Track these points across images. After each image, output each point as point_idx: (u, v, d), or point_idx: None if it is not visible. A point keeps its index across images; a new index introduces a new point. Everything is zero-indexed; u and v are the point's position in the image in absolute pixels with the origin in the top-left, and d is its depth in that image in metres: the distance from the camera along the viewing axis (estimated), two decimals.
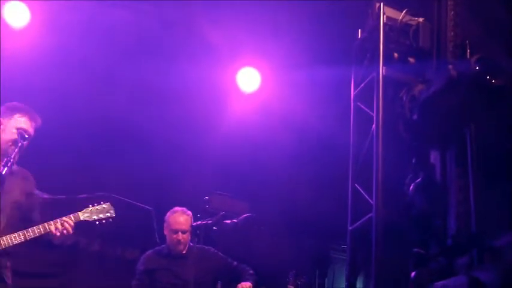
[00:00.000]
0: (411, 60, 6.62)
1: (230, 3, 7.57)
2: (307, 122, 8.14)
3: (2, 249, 4.65)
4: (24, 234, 4.71)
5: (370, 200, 6.25)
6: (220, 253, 6.36)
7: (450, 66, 5.70)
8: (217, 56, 8.06)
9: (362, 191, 6.52)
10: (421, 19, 6.60)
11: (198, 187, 7.62)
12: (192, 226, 6.07)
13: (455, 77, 5.61)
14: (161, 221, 6.35)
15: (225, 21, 7.75)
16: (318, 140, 8.22)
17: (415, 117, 6.13)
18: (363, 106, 6.82)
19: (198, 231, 6.02)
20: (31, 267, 6.70)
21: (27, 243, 4.75)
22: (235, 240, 6.95)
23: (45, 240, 4.81)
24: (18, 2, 7.30)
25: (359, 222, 6.50)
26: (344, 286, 6.83)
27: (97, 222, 4.98)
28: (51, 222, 4.78)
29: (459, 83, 5.62)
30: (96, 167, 7.73)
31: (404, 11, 6.66)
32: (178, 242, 6.09)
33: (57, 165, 7.36)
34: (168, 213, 6.24)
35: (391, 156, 6.28)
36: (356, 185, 6.70)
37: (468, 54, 6.06)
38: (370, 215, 6.20)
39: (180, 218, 6.13)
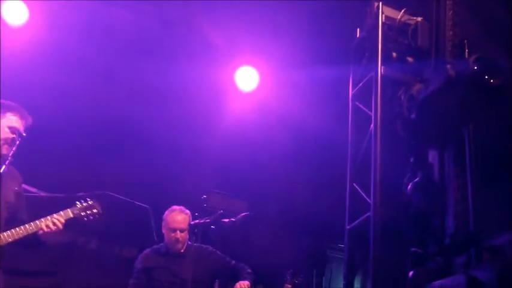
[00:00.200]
0: (410, 59, 6.63)
1: (229, 3, 7.57)
2: (306, 121, 8.15)
3: None
4: (17, 232, 4.72)
5: (368, 199, 6.25)
6: (218, 252, 6.36)
7: (448, 66, 5.70)
8: (216, 55, 8.06)
9: (360, 190, 6.53)
10: (419, 18, 6.62)
11: (196, 186, 7.63)
12: (190, 225, 6.06)
13: (453, 77, 5.62)
14: (159, 219, 6.34)
15: (224, 21, 7.75)
16: (316, 139, 8.23)
17: (413, 116, 6.14)
18: (361, 105, 6.82)
19: (196, 230, 6.02)
20: (27, 266, 6.69)
21: (17, 242, 4.76)
22: (233, 239, 6.95)
23: (33, 238, 4.83)
24: (16, 1, 7.30)
25: (357, 221, 6.51)
26: (341, 285, 6.83)
27: (85, 219, 5.05)
28: (42, 219, 4.80)
29: (457, 82, 5.63)
30: (94, 165, 7.73)
31: (403, 11, 6.67)
32: (177, 240, 6.08)
33: (55, 163, 7.37)
34: (166, 212, 6.23)
35: (389, 155, 6.28)
36: (354, 184, 6.70)
37: (466, 53, 6.09)
38: (368, 214, 6.21)
39: (178, 217, 6.12)
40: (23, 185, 5.17)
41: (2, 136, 4.85)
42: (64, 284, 7.09)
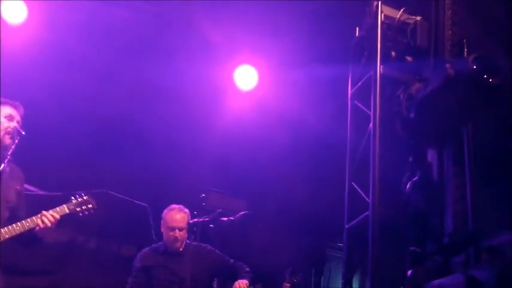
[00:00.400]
0: (409, 58, 6.63)
1: (228, 2, 7.57)
2: (305, 120, 8.15)
3: None
4: (13, 228, 4.74)
5: (366, 198, 6.25)
6: (217, 251, 6.36)
7: (447, 65, 5.70)
8: (215, 53, 8.06)
9: (359, 189, 6.52)
10: (418, 18, 6.61)
11: (195, 184, 7.63)
12: (189, 223, 6.07)
13: (452, 76, 5.61)
14: (158, 218, 6.35)
15: (223, 20, 7.75)
16: (315, 138, 8.23)
17: (412, 115, 6.14)
18: (360, 104, 6.82)
19: (194, 229, 6.03)
20: (27, 265, 6.69)
21: (15, 239, 4.77)
22: (231, 237, 6.95)
23: (29, 234, 4.85)
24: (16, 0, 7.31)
25: (356, 220, 6.51)
26: (340, 284, 6.84)
27: (81, 214, 5.09)
28: (38, 215, 4.84)
29: (456, 81, 5.63)
30: (93, 163, 7.73)
31: (402, 10, 6.66)
32: (175, 239, 6.08)
33: (54, 161, 7.37)
34: (165, 211, 6.23)
35: (388, 154, 6.28)
36: (353, 183, 6.70)
37: (465, 53, 6.08)
38: (366, 213, 6.21)
39: (177, 216, 6.12)
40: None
41: (2, 127, 4.88)
42: (63, 282, 7.08)
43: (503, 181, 5.71)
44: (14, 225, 4.75)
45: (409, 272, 5.72)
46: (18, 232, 4.76)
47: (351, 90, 7.05)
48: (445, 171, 6.07)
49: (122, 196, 6.91)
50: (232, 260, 6.32)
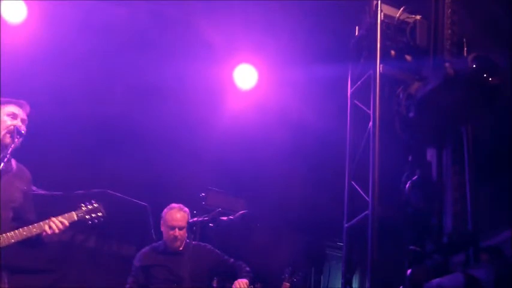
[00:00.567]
0: (408, 58, 6.62)
1: (227, 1, 7.57)
2: (304, 120, 8.15)
3: None
4: (20, 233, 4.70)
5: (366, 198, 6.25)
6: (216, 250, 6.36)
7: (447, 64, 5.69)
8: (214, 53, 8.06)
9: (358, 189, 6.52)
10: (418, 17, 6.60)
11: (195, 184, 7.63)
12: (188, 223, 6.07)
13: (452, 75, 5.60)
14: (157, 217, 6.35)
15: (222, 19, 7.75)
16: (315, 137, 8.23)
17: (411, 115, 6.13)
18: (359, 104, 6.81)
19: (194, 228, 6.04)
20: (26, 264, 6.69)
21: (20, 242, 4.74)
22: (231, 236, 6.96)
23: (35, 239, 4.82)
24: None
25: (355, 219, 6.50)
26: (340, 283, 6.83)
27: (89, 222, 5.04)
28: (46, 221, 4.79)
29: (456, 81, 5.62)
30: (92, 163, 7.74)
31: (401, 9, 6.65)
32: (175, 238, 6.09)
33: (53, 161, 7.36)
34: (165, 210, 6.24)
35: (387, 153, 6.27)
36: (352, 182, 6.69)
37: (465, 52, 6.07)
38: (366, 212, 6.20)
39: (177, 215, 6.13)
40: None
41: (4, 125, 4.86)
42: (62, 281, 7.09)
43: (502, 180, 5.71)
44: (21, 229, 4.71)
45: (409, 271, 5.71)
46: (24, 237, 4.71)
47: (351, 89, 7.04)
48: (444, 171, 6.06)
49: (121, 195, 6.92)
50: (232, 260, 6.33)
